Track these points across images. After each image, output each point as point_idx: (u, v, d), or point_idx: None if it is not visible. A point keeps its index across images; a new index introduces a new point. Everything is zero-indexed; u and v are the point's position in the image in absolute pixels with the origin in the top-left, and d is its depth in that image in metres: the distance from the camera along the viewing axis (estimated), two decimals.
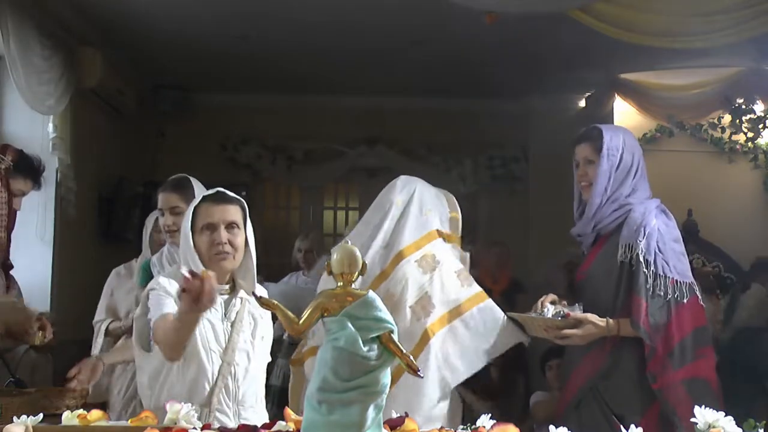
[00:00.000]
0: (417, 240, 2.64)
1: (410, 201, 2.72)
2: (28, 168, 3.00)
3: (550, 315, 2.46)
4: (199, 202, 2.27)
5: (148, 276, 2.83)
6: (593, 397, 2.48)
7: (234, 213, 2.24)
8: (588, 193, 2.60)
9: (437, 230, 2.70)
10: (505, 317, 2.58)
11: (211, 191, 2.31)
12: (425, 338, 2.51)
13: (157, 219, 3.24)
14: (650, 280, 2.41)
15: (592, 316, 2.45)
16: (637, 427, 1.50)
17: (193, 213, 2.24)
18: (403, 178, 2.84)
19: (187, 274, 1.86)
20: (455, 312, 2.56)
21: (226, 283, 2.26)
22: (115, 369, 3.08)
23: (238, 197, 2.30)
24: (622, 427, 1.51)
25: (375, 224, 2.73)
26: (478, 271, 5.84)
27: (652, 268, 2.42)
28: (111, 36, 4.90)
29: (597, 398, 2.47)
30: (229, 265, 2.21)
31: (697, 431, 1.56)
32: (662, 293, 2.41)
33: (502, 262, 5.50)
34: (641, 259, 2.43)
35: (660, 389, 2.40)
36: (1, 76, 4.27)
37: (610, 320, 2.45)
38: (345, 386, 1.18)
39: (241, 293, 2.26)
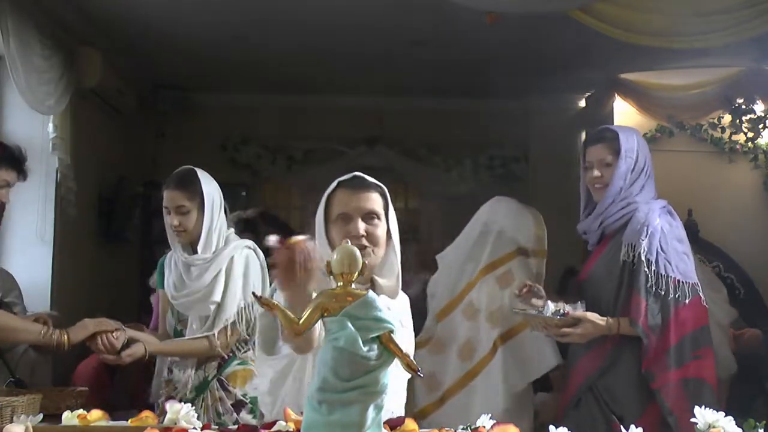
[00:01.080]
0: (500, 257, 2.99)
1: (495, 221, 3.07)
2: (10, 158, 2.95)
3: (549, 313, 2.46)
4: (334, 188, 2.03)
5: (162, 277, 2.81)
6: (592, 396, 2.49)
7: (373, 201, 1.97)
8: (601, 194, 2.59)
9: (518, 248, 3.01)
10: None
11: (347, 176, 2.05)
12: (495, 347, 2.92)
13: None
14: (651, 280, 2.42)
15: (591, 315, 2.45)
16: (636, 426, 1.50)
17: (326, 200, 2.01)
18: (495, 198, 3.18)
19: (272, 243, 1.62)
20: (518, 328, 2.92)
21: (363, 283, 1.94)
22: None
23: (378, 183, 2.03)
24: (621, 426, 1.51)
25: (466, 239, 3.12)
26: None
27: (654, 267, 2.42)
28: (111, 36, 4.90)
29: (596, 397, 2.48)
30: (367, 261, 1.87)
31: (697, 431, 1.56)
32: (663, 292, 2.41)
33: None
34: (643, 258, 2.43)
35: (659, 389, 2.40)
36: (1, 76, 4.27)
37: (610, 319, 2.45)
38: (345, 386, 1.18)
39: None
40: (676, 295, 2.43)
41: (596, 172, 2.60)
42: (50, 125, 4.34)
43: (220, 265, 2.67)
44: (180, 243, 2.71)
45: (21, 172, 2.94)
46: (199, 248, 2.67)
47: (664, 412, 2.37)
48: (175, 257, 2.73)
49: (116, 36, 4.91)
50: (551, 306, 2.48)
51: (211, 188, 2.71)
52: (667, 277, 2.43)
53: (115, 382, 3.44)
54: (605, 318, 2.45)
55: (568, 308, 2.46)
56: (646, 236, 2.45)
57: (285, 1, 4.40)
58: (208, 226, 2.67)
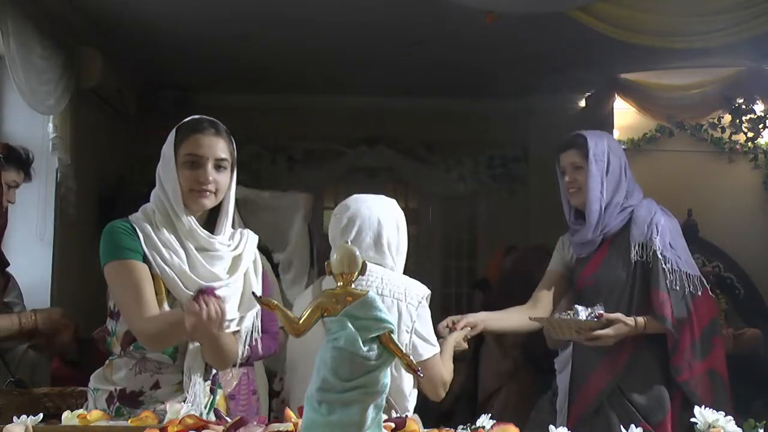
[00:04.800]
0: None
1: None
2: (17, 159, 2.98)
3: (583, 317, 2.46)
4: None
5: (136, 245, 2.01)
6: (616, 399, 2.48)
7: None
8: (577, 198, 2.62)
9: None
10: None
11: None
12: None
13: None
14: (669, 276, 2.43)
15: (622, 316, 2.46)
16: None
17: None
18: None
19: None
20: None
21: None
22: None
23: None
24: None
25: None
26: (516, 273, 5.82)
27: (669, 264, 2.45)
28: (111, 36, 4.90)
29: (620, 399, 2.47)
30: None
31: (696, 431, 1.56)
32: (679, 287, 2.45)
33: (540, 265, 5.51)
34: (659, 255, 2.46)
35: (686, 381, 2.41)
36: (1, 76, 4.27)
37: (638, 318, 2.46)
38: (345, 386, 1.18)
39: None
40: (690, 289, 2.46)
41: (569, 177, 2.63)
42: (50, 125, 4.34)
43: (248, 260, 2.08)
44: (195, 211, 2.02)
45: (27, 173, 2.97)
46: (221, 227, 2.04)
47: (694, 402, 2.39)
48: (182, 232, 2.00)
49: (116, 36, 4.91)
50: (582, 309, 2.47)
51: None
52: (680, 271, 2.47)
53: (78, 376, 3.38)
54: (633, 318, 2.46)
55: (599, 311, 2.46)
56: (657, 234, 2.48)
57: (285, 1, 4.40)
58: (230, 198, 2.07)
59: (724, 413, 1.58)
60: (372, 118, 6.39)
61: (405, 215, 2.44)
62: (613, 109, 5.70)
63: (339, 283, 1.26)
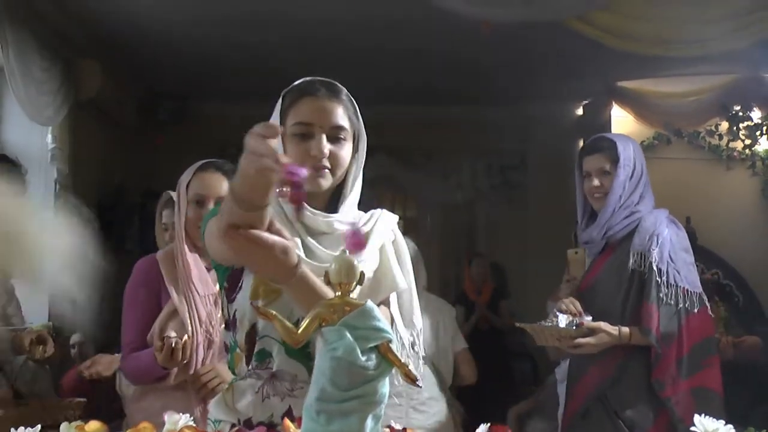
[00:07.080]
0: None
1: None
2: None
3: (563, 325, 2.44)
4: None
5: None
6: (602, 405, 2.47)
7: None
8: (600, 203, 2.59)
9: None
10: None
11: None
12: None
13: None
14: (663, 289, 2.42)
15: (604, 325, 2.44)
16: None
17: None
18: None
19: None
20: None
21: None
22: None
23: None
24: None
25: None
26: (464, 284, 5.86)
27: (665, 277, 2.43)
28: (109, 46, 4.91)
29: (606, 407, 2.46)
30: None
31: None
32: (673, 302, 2.42)
33: (485, 273, 5.55)
34: (654, 267, 2.43)
35: (668, 398, 2.40)
36: (0, 87, 4.28)
37: (623, 328, 2.44)
38: (343, 396, 1.18)
39: None
40: (686, 305, 2.43)
41: (596, 182, 2.60)
42: (49, 136, 4.35)
43: (380, 237, 1.65)
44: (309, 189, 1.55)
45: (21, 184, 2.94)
46: (347, 203, 1.68)
47: (674, 420, 2.37)
48: (291, 216, 1.56)
49: (115, 47, 4.93)
50: (563, 317, 2.46)
51: None
52: (677, 286, 2.43)
53: (97, 392, 3.38)
54: (617, 327, 2.45)
55: (579, 319, 2.45)
56: (656, 245, 2.45)
57: (283, 10, 4.42)
58: (354, 176, 1.69)
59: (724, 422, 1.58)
60: (370, 126, 6.36)
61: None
62: (610, 116, 5.71)
63: (337, 293, 1.26)
